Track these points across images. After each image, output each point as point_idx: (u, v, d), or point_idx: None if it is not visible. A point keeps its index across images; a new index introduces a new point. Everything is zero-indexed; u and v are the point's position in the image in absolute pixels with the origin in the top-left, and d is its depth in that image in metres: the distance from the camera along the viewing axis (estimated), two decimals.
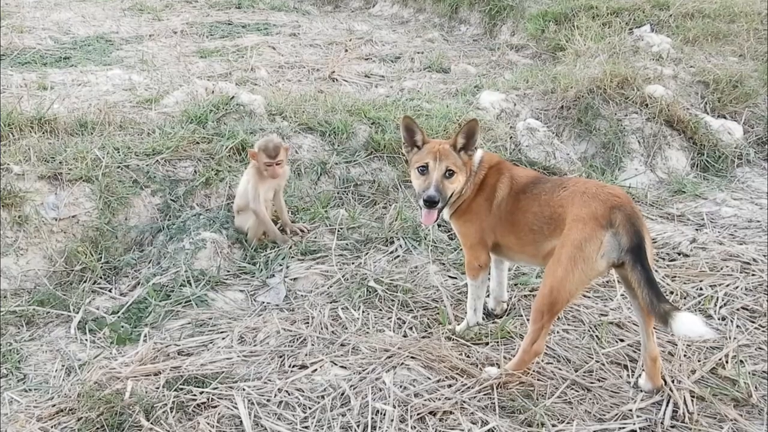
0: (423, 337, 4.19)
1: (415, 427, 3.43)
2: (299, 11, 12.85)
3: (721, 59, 8.20)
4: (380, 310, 4.50)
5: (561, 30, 9.42)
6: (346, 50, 9.91)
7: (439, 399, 3.61)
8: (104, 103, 6.52)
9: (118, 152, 5.45)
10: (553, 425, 3.46)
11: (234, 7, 12.70)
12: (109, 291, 4.74)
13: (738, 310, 4.49)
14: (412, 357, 3.93)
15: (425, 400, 3.59)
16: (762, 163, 7.09)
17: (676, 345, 4.09)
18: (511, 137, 6.62)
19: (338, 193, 5.78)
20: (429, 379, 3.77)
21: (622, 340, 4.16)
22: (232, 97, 6.33)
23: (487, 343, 4.14)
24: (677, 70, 7.76)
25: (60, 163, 5.20)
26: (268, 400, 3.62)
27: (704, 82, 7.66)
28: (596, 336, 4.20)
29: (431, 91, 7.87)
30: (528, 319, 4.32)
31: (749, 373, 3.87)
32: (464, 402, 3.59)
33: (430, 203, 3.83)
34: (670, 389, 3.70)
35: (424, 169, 3.91)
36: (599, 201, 3.56)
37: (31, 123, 5.65)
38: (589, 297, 4.63)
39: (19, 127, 5.57)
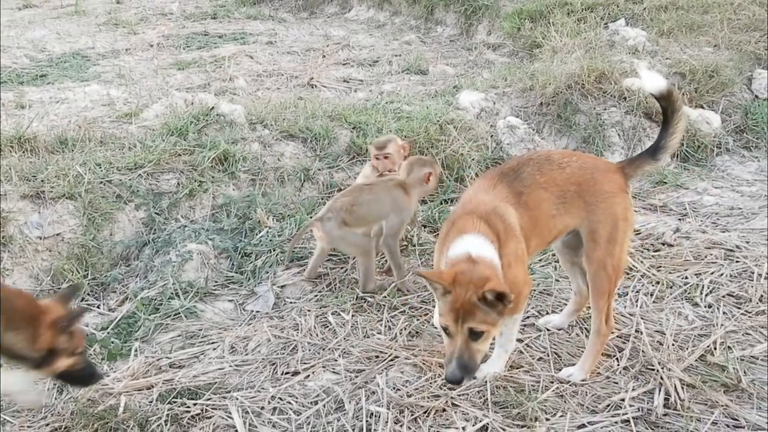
0: (412, 337, 4.22)
1: (410, 428, 3.44)
2: (275, 19, 12.85)
3: (696, 50, 8.26)
4: (369, 314, 4.51)
5: (537, 27, 9.47)
6: (324, 56, 9.92)
7: (433, 398, 3.62)
8: (83, 120, 6.50)
9: (100, 168, 5.44)
10: (547, 419, 3.48)
11: (209, 18, 12.69)
12: (98, 307, 4.73)
13: (724, 297, 4.53)
14: (404, 358, 3.95)
15: (419, 399, 3.61)
16: (741, 151, 7.16)
17: (665, 334, 4.13)
18: (492, 136, 6.65)
19: (322, 199, 5.77)
20: (421, 378, 3.78)
21: (611, 332, 4.18)
22: (212, 108, 6.32)
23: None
24: (653, 62, 7.81)
25: (42, 181, 5.18)
26: (262, 408, 3.62)
27: (680, 73, 7.71)
28: (585, 329, 4.23)
29: (410, 94, 7.89)
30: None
31: (737, 358, 3.90)
32: (458, 399, 3.61)
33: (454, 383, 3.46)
34: (661, 378, 3.73)
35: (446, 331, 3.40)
36: (611, 172, 3.73)
37: (10, 142, 5.63)
38: None
39: None
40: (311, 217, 5.38)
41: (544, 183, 3.64)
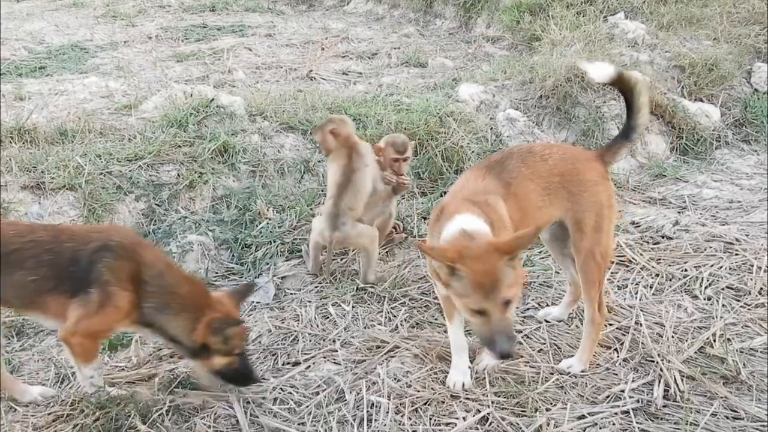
0: (413, 328, 4.23)
1: (410, 418, 3.46)
2: (273, 11, 12.82)
3: (695, 43, 8.27)
4: (370, 305, 4.52)
5: (536, 20, 9.46)
6: (323, 49, 9.91)
7: (433, 389, 3.64)
8: (83, 111, 6.48)
9: (100, 159, 5.43)
10: (547, 409, 3.50)
11: (208, 10, 12.64)
12: None
13: (723, 289, 4.55)
14: (404, 349, 3.97)
15: (419, 390, 3.62)
16: (740, 145, 7.18)
17: (664, 326, 4.15)
18: (491, 128, 6.65)
19: (322, 191, 5.77)
20: (422, 369, 3.80)
21: (610, 324, 4.19)
22: (212, 100, 6.31)
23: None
24: (653, 55, 7.82)
25: (42, 172, 5.17)
26: (263, 399, 3.64)
27: (680, 66, 7.72)
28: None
29: (410, 86, 7.88)
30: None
31: (737, 350, 3.92)
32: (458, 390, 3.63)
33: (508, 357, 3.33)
34: (661, 369, 3.74)
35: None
36: (592, 160, 3.79)
37: (10, 134, 5.62)
38: None
39: None
40: (311, 210, 5.40)
41: (529, 175, 3.65)
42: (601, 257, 3.72)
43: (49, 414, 3.51)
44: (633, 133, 3.85)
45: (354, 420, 3.46)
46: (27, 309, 3.49)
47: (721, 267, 4.77)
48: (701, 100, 7.47)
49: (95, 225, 3.73)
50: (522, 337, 4.10)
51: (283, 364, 3.95)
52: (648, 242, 5.17)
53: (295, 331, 4.24)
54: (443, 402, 3.56)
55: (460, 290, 3.16)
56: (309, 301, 4.58)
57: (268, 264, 4.97)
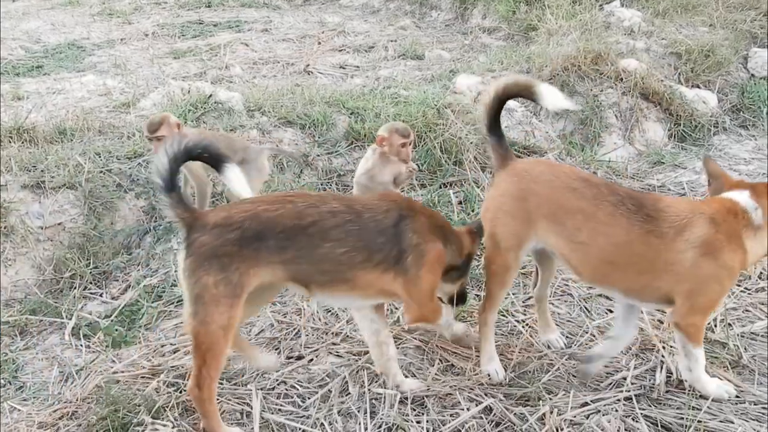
0: None
1: (414, 410, 3.48)
2: (269, 6, 12.80)
3: (691, 30, 8.28)
4: None
5: (532, 10, 9.46)
6: (319, 43, 9.91)
7: (437, 380, 3.66)
8: (81, 110, 6.50)
9: (100, 157, 5.44)
10: (550, 398, 3.51)
11: (204, 6, 12.62)
12: (101, 296, 4.74)
13: None
14: (406, 340, 3.98)
15: (422, 381, 3.64)
16: (738, 130, 7.19)
17: (665, 312, 4.16)
18: None
19: (322, 185, 5.79)
20: (425, 360, 3.82)
21: (610, 311, 4.21)
22: (210, 96, 6.32)
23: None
24: (649, 43, 7.83)
25: (42, 171, 5.18)
26: (268, 392, 3.65)
27: (677, 53, 7.73)
28: (586, 308, 4.26)
29: (407, 79, 7.89)
30: (512, 293, 4.39)
31: (738, 335, 3.94)
32: (461, 382, 3.64)
33: None
34: (662, 356, 3.76)
35: None
36: None
37: (10, 133, 5.64)
38: None
39: None
40: None
41: None
42: None
43: (54, 411, 3.53)
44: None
45: (358, 412, 3.48)
46: (329, 286, 3.32)
47: None
48: (698, 87, 7.49)
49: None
50: (523, 327, 4.12)
51: (286, 358, 3.96)
52: None
53: (298, 325, 4.25)
54: (448, 394, 3.58)
55: None
56: None
57: None
